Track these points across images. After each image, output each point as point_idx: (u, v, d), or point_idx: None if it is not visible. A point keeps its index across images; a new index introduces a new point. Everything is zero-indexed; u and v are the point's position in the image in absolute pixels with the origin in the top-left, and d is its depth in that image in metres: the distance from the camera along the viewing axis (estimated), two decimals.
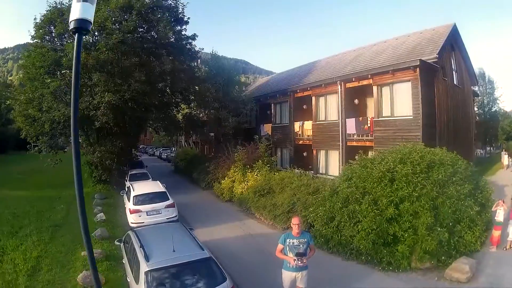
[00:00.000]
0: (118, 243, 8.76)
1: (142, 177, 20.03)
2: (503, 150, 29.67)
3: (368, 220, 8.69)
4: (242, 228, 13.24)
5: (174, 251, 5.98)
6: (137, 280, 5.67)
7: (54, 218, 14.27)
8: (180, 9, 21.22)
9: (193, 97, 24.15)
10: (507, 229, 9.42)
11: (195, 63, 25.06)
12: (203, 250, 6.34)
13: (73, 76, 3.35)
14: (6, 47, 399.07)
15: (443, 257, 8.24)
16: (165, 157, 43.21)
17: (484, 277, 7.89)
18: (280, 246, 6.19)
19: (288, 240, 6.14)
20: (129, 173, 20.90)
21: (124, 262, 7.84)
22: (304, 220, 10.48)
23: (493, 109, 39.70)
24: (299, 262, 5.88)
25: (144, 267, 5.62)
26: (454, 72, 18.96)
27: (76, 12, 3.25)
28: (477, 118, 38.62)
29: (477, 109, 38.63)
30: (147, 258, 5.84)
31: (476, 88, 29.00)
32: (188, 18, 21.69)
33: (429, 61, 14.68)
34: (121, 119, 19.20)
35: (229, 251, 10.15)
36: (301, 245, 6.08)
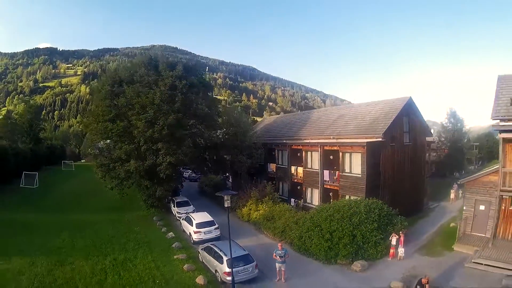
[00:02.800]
0: (200, 250, 18.70)
1: (185, 204, 30.05)
2: (454, 184, 34.43)
3: (316, 239, 18.67)
4: (256, 240, 23.10)
5: (234, 251, 15.74)
6: (221, 260, 15.66)
7: (139, 237, 23.69)
8: (207, 78, 30.76)
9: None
10: (398, 249, 19.04)
11: (219, 119, 34.27)
12: (244, 250, 16.40)
13: None
14: (15, 52, 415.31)
15: (352, 259, 18.02)
16: (192, 178, 52.81)
17: (370, 270, 17.60)
18: (274, 254, 16.16)
19: (276, 251, 16.10)
20: (175, 200, 30.76)
21: (201, 259, 17.87)
22: (289, 236, 20.46)
23: (463, 142, 49.29)
24: (280, 259, 15.82)
25: (225, 258, 15.54)
26: (405, 133, 28.58)
27: None
28: (446, 150, 48.47)
29: (447, 142, 48.45)
30: (225, 255, 15.75)
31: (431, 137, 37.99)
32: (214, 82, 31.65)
33: (376, 139, 24.37)
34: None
35: (251, 251, 19.40)
36: (282, 253, 15.96)
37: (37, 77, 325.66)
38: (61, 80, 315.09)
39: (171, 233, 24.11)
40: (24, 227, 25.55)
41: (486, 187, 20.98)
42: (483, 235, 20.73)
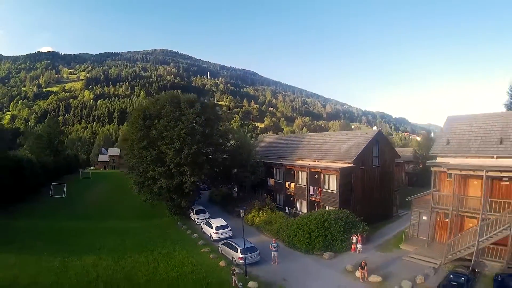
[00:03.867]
0: (220, 244, 27.61)
1: (202, 212, 38.95)
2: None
3: (300, 237, 27.72)
4: (258, 238, 31.97)
5: (244, 245, 24.60)
6: (236, 250, 24.71)
7: (172, 238, 32.76)
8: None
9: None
10: (358, 245, 27.83)
11: (228, 143, 43.15)
12: (251, 243, 25.49)
13: None
14: (18, 55, 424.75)
15: (324, 251, 26.95)
16: (201, 188, 61.56)
17: (335, 259, 26.55)
18: (270, 246, 25.30)
19: (272, 244, 25.31)
20: (195, 209, 39.60)
21: (220, 251, 26.91)
22: (282, 236, 29.38)
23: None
24: (274, 249, 24.83)
25: (239, 248, 24.63)
26: (374, 158, 37.50)
27: None
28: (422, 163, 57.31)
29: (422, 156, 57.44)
30: (239, 246, 24.81)
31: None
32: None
33: (348, 165, 33.27)
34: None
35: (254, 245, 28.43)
36: (275, 245, 24.97)
37: (40, 82, 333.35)
38: (64, 85, 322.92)
39: (195, 234, 33.08)
40: (74, 233, 34.02)
41: (426, 203, 29.45)
42: (424, 238, 29.34)
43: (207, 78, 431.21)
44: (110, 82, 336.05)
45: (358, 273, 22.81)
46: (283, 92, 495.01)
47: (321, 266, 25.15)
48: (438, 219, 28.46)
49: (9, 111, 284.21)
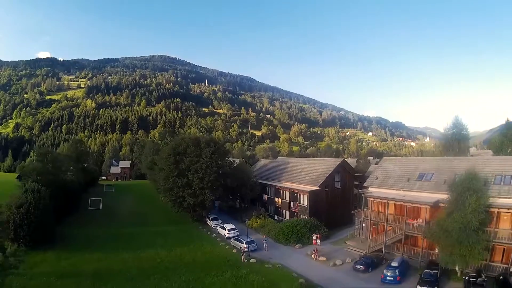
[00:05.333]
0: (232, 240, 45.79)
1: (216, 219, 56.96)
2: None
3: (281, 235, 46.25)
4: (255, 236, 49.83)
5: (247, 239, 42.58)
6: (242, 243, 42.96)
7: (198, 237, 50.81)
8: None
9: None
10: (317, 240, 45.99)
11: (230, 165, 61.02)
12: (251, 238, 43.88)
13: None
14: (17, 61, 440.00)
15: (296, 243, 45.13)
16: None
17: (302, 248, 44.85)
18: (262, 240, 43.60)
19: (263, 239, 43.77)
20: (211, 217, 57.53)
21: (232, 244, 45.19)
22: (270, 234, 47.63)
23: None
24: (265, 242, 43.10)
25: (244, 241, 42.75)
26: (336, 182, 55.68)
27: None
28: None
29: None
30: (244, 240, 42.89)
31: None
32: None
33: (316, 188, 51.41)
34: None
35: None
36: (266, 239, 43.36)
37: (42, 89, 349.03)
38: (66, 94, 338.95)
39: (214, 234, 51.19)
40: (128, 236, 50.87)
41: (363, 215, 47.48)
42: (364, 238, 47.10)
43: (205, 86, 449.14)
44: (111, 91, 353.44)
45: (313, 256, 40.85)
46: (280, 99, 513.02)
47: (293, 252, 43.39)
48: (369, 225, 46.27)
49: (12, 119, 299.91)
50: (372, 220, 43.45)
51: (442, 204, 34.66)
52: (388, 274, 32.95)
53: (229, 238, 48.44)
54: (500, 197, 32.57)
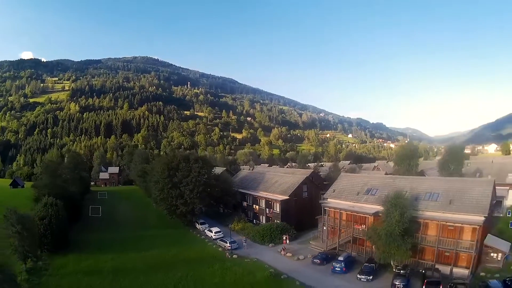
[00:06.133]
0: (218, 241, 56.62)
1: (204, 223, 67.57)
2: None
3: (258, 236, 57.43)
4: (237, 237, 60.53)
5: (230, 239, 53.53)
6: (226, 243, 53.85)
7: (190, 238, 61.43)
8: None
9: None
10: (287, 240, 57.24)
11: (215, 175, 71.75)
12: (234, 239, 54.74)
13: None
14: (1, 61, 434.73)
15: (269, 243, 56.35)
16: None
17: (275, 246, 56.00)
18: (242, 240, 54.74)
19: (243, 239, 54.86)
20: (199, 221, 68.07)
21: (218, 244, 56.11)
22: (249, 235, 58.75)
23: None
24: (245, 242, 54.23)
25: (228, 241, 53.73)
26: (304, 192, 67.16)
27: None
28: None
29: None
30: (228, 240, 53.78)
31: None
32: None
33: (286, 197, 62.70)
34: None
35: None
36: (245, 239, 54.54)
37: (26, 92, 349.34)
38: (50, 97, 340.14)
39: (203, 236, 61.75)
40: (132, 239, 60.66)
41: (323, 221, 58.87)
42: (325, 238, 58.37)
43: (187, 88, 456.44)
44: (95, 94, 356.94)
45: (282, 252, 52.02)
46: (261, 101, 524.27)
47: (267, 249, 54.51)
48: (329, 229, 57.51)
49: None
50: (329, 225, 54.70)
51: (380, 215, 45.54)
52: (337, 266, 44.24)
53: (216, 239, 58.95)
54: (427, 211, 43.41)
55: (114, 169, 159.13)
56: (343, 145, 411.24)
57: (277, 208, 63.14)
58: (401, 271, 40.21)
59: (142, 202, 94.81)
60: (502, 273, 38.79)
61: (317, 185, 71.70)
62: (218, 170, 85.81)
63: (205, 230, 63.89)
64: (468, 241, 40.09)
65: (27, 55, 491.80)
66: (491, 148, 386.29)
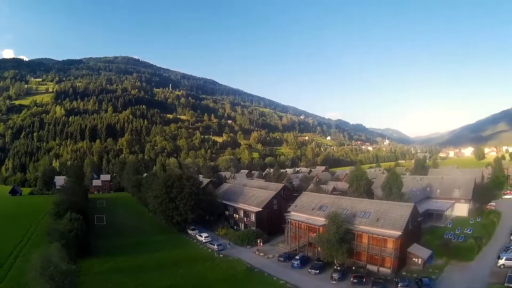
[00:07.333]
0: (207, 243, 73.78)
1: (195, 229, 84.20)
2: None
3: (238, 239, 74.79)
4: (222, 241, 77.65)
5: (218, 242, 70.74)
6: (214, 245, 71.18)
7: (183, 242, 78.12)
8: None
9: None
10: (260, 243, 74.71)
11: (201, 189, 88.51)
12: (220, 242, 72.19)
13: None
14: None
15: (247, 245, 73.79)
16: None
17: (251, 248, 73.29)
18: (227, 244, 72.13)
19: (227, 242, 72.16)
20: (190, 227, 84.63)
21: (208, 246, 73.09)
22: (231, 239, 76.14)
23: None
24: (228, 245, 71.69)
25: (216, 243, 71.16)
26: (274, 204, 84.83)
27: None
28: None
29: None
30: (216, 243, 71.05)
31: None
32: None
33: (260, 209, 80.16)
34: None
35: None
36: (228, 243, 71.99)
37: (11, 94, 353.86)
38: (35, 99, 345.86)
39: (194, 240, 78.36)
40: (139, 244, 76.84)
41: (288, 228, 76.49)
42: (289, 242, 75.86)
43: (169, 91, 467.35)
44: (78, 96, 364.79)
45: (256, 252, 69.36)
46: (242, 103, 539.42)
47: (245, 250, 71.64)
48: (292, 235, 74.69)
49: None
50: (292, 232, 72.29)
51: (325, 226, 63.03)
52: (294, 263, 61.54)
53: (205, 242, 75.43)
54: (361, 225, 59.97)
55: (106, 177, 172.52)
56: (321, 148, 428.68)
57: (253, 217, 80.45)
58: (339, 267, 57.26)
59: (137, 210, 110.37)
60: (420, 274, 52.34)
61: (286, 198, 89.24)
62: (203, 180, 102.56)
63: (196, 235, 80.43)
64: (390, 248, 54.90)
65: (8, 53, 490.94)
66: (468, 151, 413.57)
